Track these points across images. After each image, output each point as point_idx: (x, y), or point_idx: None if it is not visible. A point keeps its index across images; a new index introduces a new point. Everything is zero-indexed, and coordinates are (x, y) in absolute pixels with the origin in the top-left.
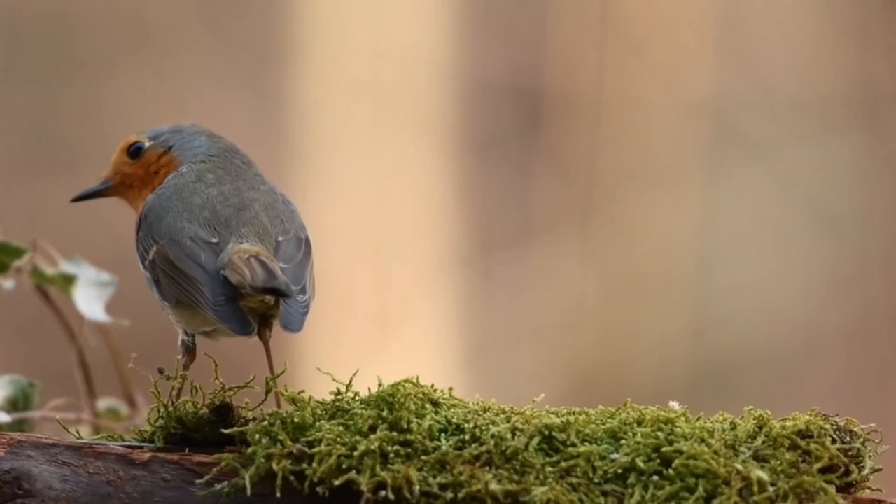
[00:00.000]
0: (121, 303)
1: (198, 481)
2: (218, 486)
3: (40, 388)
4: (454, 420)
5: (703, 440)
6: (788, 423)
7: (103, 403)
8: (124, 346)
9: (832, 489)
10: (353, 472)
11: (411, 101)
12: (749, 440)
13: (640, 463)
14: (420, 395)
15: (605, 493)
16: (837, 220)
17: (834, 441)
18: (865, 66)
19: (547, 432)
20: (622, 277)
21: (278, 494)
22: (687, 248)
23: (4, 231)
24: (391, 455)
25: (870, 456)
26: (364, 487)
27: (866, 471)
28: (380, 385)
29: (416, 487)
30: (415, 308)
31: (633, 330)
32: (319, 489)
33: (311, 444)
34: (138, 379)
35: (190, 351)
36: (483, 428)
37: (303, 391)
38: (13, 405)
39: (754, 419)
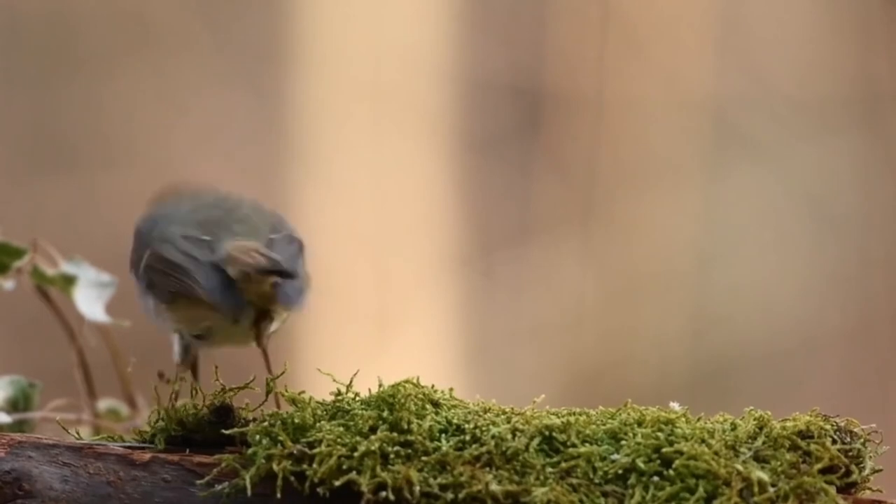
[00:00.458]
0: (121, 303)
1: (198, 482)
2: (218, 487)
3: (40, 388)
4: (454, 421)
5: (703, 441)
6: (789, 424)
7: (104, 404)
8: (125, 346)
9: (833, 490)
10: (354, 472)
11: (411, 101)
12: (749, 441)
13: (640, 463)
14: (420, 396)
15: (605, 494)
16: (838, 219)
17: (834, 442)
18: (866, 66)
19: (547, 433)
20: (622, 277)
21: (279, 495)
22: (687, 248)
23: (4, 231)
24: (391, 456)
25: (870, 456)
26: (364, 488)
27: (867, 471)
28: (380, 386)
29: (417, 488)
30: (415, 308)
31: (633, 330)
32: (320, 490)
33: (311, 445)
34: (139, 380)
35: (185, 361)
36: (483, 428)
37: (303, 392)
38: (13, 406)
39: (755, 420)
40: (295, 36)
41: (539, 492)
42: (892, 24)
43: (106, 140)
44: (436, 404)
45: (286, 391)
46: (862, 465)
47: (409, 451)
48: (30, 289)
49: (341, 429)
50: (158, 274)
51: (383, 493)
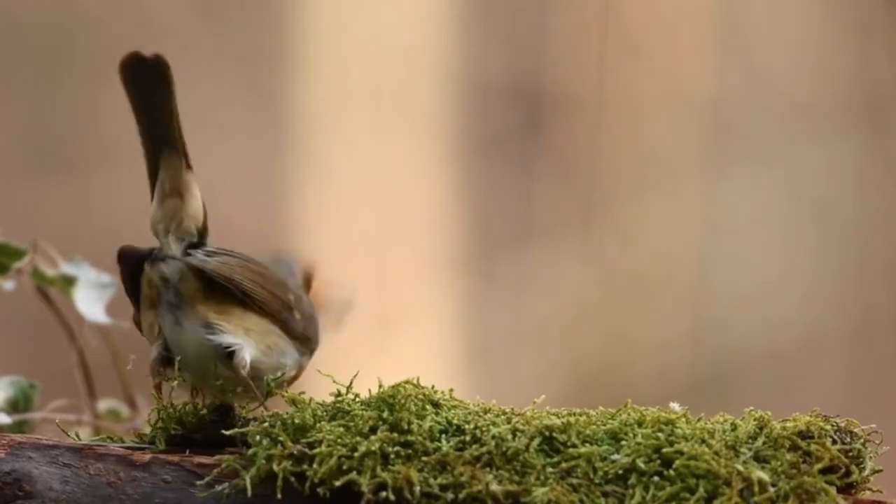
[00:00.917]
0: (121, 304)
1: (198, 482)
2: (218, 488)
3: (41, 389)
4: (455, 421)
5: (703, 441)
6: (789, 424)
7: (104, 405)
8: (124, 347)
9: (833, 490)
10: (354, 472)
11: (411, 101)
12: (750, 441)
13: (640, 464)
14: (420, 397)
15: (605, 494)
16: (838, 220)
17: (834, 442)
18: (866, 67)
19: (548, 433)
20: (623, 278)
21: (279, 495)
22: (688, 249)
23: (5, 232)
24: (392, 456)
25: (870, 457)
26: (365, 488)
27: (867, 472)
28: (380, 386)
29: (417, 488)
30: (415, 309)
31: (633, 330)
32: (320, 490)
33: (311, 445)
34: (139, 380)
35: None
36: (484, 429)
37: (303, 392)
38: (13, 406)
39: (755, 420)
40: (295, 37)
41: (539, 492)
42: (892, 24)
43: (106, 141)
44: (436, 405)
45: (286, 392)
46: (862, 466)
47: (410, 451)
48: (30, 289)
49: (341, 429)
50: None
51: (383, 494)
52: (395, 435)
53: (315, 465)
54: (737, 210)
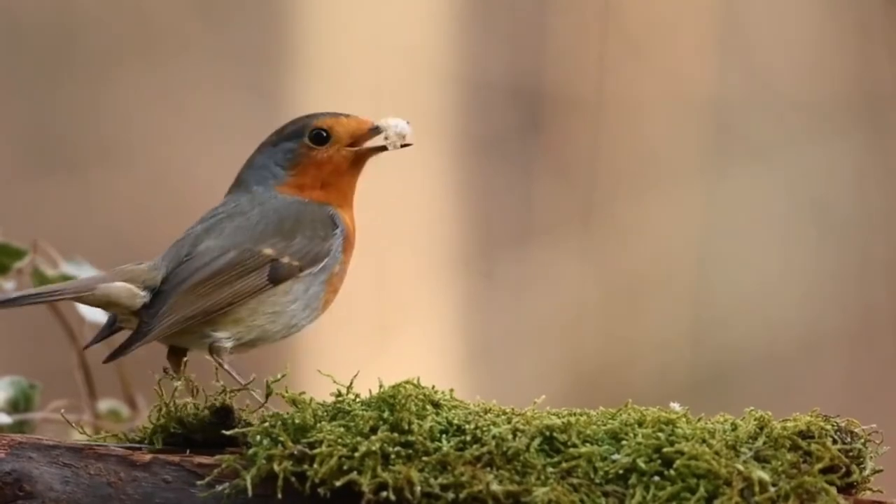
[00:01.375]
0: None
1: (199, 483)
2: (219, 488)
3: (41, 389)
4: (455, 421)
5: (704, 441)
6: (789, 424)
7: (104, 405)
8: None
9: (833, 490)
10: (355, 472)
11: (412, 101)
12: (750, 441)
13: (641, 463)
14: (421, 397)
15: (606, 494)
16: (839, 221)
17: (835, 442)
18: (867, 66)
19: (548, 433)
20: (623, 278)
21: (279, 495)
22: (688, 249)
23: (5, 232)
24: (392, 456)
25: (871, 457)
26: (365, 488)
27: (867, 471)
28: (380, 386)
29: (418, 488)
30: (415, 309)
31: (633, 330)
32: (320, 490)
33: (312, 446)
34: (139, 380)
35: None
36: (484, 429)
37: (303, 393)
38: (14, 406)
39: (755, 420)
40: (295, 36)
41: (540, 492)
42: (892, 24)
43: (106, 141)
44: (436, 405)
45: (287, 392)
46: (862, 465)
47: (410, 451)
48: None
49: (342, 429)
50: None
51: (384, 494)
52: (396, 435)
53: (315, 465)
54: (737, 210)
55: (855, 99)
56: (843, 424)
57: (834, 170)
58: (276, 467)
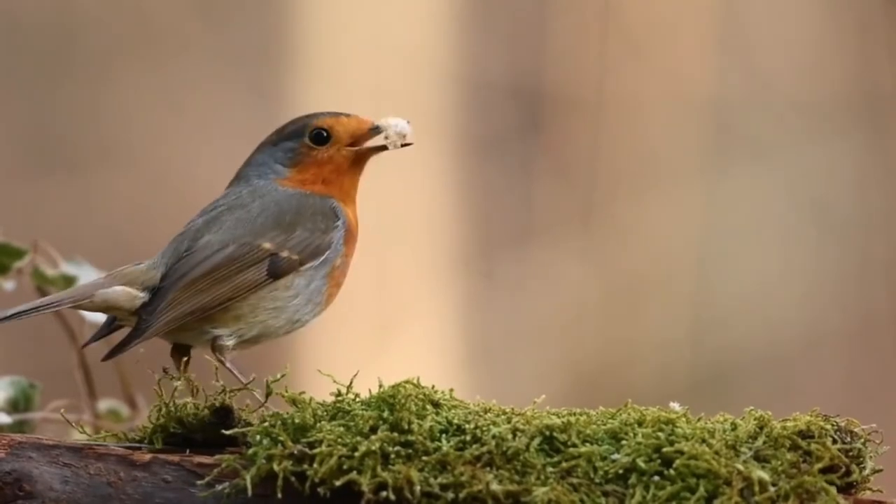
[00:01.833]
0: None
1: (199, 482)
2: (219, 487)
3: (41, 389)
4: (455, 421)
5: (703, 440)
6: (789, 424)
7: (104, 404)
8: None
9: (833, 489)
10: (354, 472)
11: (412, 101)
12: (750, 440)
13: (641, 463)
14: (421, 396)
15: (606, 494)
16: (839, 221)
17: (835, 441)
18: (867, 66)
19: (548, 433)
20: (623, 278)
21: (279, 495)
22: (688, 249)
23: (5, 232)
24: (392, 456)
25: (870, 456)
26: (365, 488)
27: (867, 471)
28: (380, 386)
29: (417, 488)
30: (415, 309)
31: (634, 330)
32: (320, 490)
33: (311, 445)
34: (139, 380)
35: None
36: (484, 429)
37: (303, 392)
38: (14, 406)
39: (755, 420)
40: (295, 36)
41: (540, 491)
42: (892, 24)
43: (106, 141)
44: (436, 405)
45: (286, 391)
46: (862, 465)
47: (410, 451)
48: (30, 289)
49: (342, 429)
50: None
51: (384, 493)
52: (396, 435)
53: (315, 465)
54: (737, 210)
55: (855, 99)
56: (842, 424)
57: (834, 170)
58: (275, 467)
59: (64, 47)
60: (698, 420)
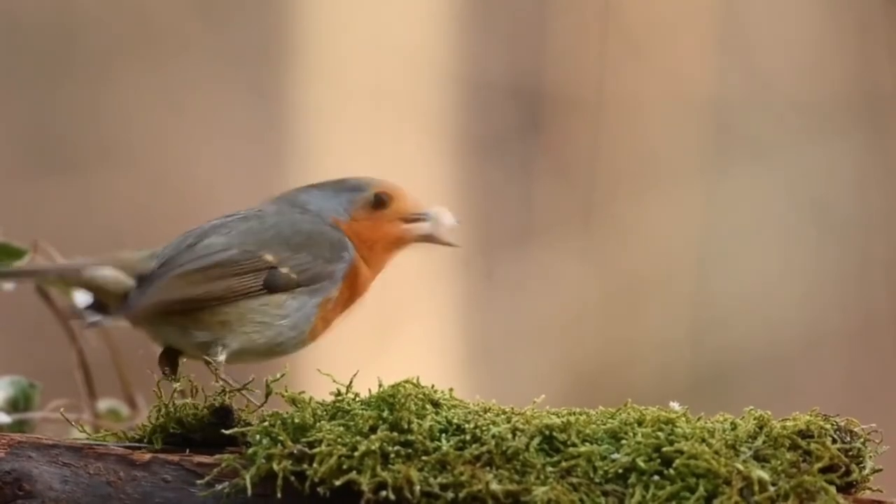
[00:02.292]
0: None
1: (198, 482)
2: (219, 487)
3: (41, 388)
4: (455, 420)
5: (703, 440)
6: (789, 424)
7: (104, 404)
8: (125, 347)
9: (833, 489)
10: (354, 472)
11: (412, 101)
12: (750, 440)
13: (640, 463)
14: (420, 396)
15: (605, 493)
16: (839, 221)
17: (834, 441)
18: (867, 66)
19: (547, 432)
20: (623, 278)
21: (279, 495)
22: (688, 249)
23: (5, 232)
24: (392, 455)
25: (870, 456)
26: (365, 487)
27: (867, 471)
28: (380, 386)
29: (417, 487)
30: (415, 309)
31: (633, 330)
32: (320, 489)
33: (311, 445)
34: (139, 380)
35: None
36: (484, 428)
37: (303, 392)
38: (14, 406)
39: (755, 419)
40: (295, 36)
41: (539, 491)
42: (892, 24)
43: (106, 141)
44: (436, 404)
45: (286, 391)
46: (862, 465)
47: (410, 450)
48: (30, 289)
49: (341, 429)
50: None
51: (384, 493)
52: (395, 434)
53: (315, 465)
54: (737, 210)
55: (855, 99)
56: (842, 424)
57: (834, 170)
58: (275, 466)
59: (64, 47)
60: (698, 420)
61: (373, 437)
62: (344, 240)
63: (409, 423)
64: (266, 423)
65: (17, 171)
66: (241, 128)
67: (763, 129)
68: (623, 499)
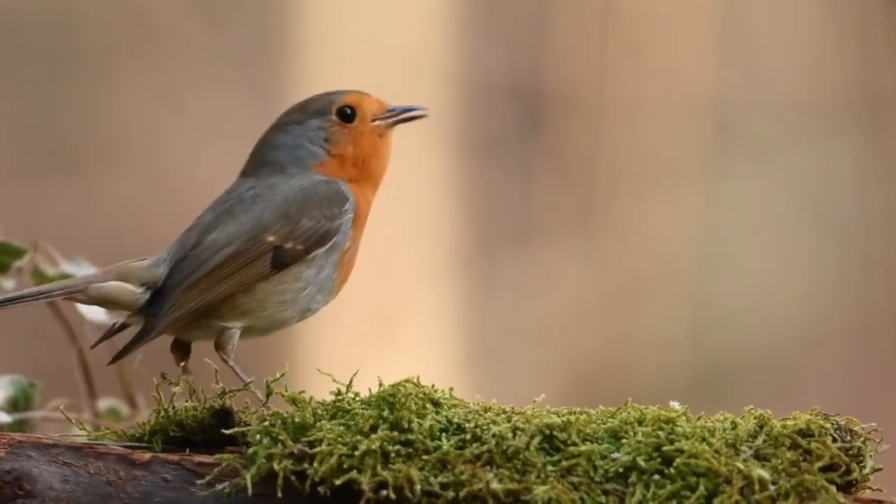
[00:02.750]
0: None
1: (199, 482)
2: (219, 487)
3: (41, 388)
4: (455, 420)
5: (704, 439)
6: (789, 423)
7: (104, 404)
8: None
9: (833, 488)
10: (355, 471)
11: (412, 101)
12: (750, 439)
13: (641, 462)
14: (421, 395)
15: (606, 492)
16: (839, 221)
17: (835, 440)
18: (866, 66)
19: (548, 431)
20: (623, 278)
21: (279, 494)
22: (688, 249)
23: (5, 231)
24: (392, 455)
25: (870, 455)
26: (365, 487)
27: (867, 470)
28: (380, 385)
29: (418, 487)
30: (415, 308)
31: (634, 330)
32: (320, 489)
33: (311, 444)
34: (139, 379)
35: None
36: (484, 427)
37: (303, 391)
38: (14, 405)
39: (755, 418)
40: (295, 36)
41: (540, 490)
42: (892, 24)
43: (106, 141)
44: (436, 403)
45: (286, 391)
46: (862, 464)
47: (410, 449)
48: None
49: (342, 428)
50: None
51: (384, 492)
52: (396, 434)
53: (315, 464)
54: (736, 209)
55: (855, 99)
56: (842, 423)
57: (834, 170)
58: (275, 466)
59: (64, 47)
60: (698, 419)
61: (373, 436)
62: (339, 188)
63: (410, 422)
64: (266, 423)
65: (17, 171)
66: (241, 128)
67: (763, 129)
68: (623, 498)
